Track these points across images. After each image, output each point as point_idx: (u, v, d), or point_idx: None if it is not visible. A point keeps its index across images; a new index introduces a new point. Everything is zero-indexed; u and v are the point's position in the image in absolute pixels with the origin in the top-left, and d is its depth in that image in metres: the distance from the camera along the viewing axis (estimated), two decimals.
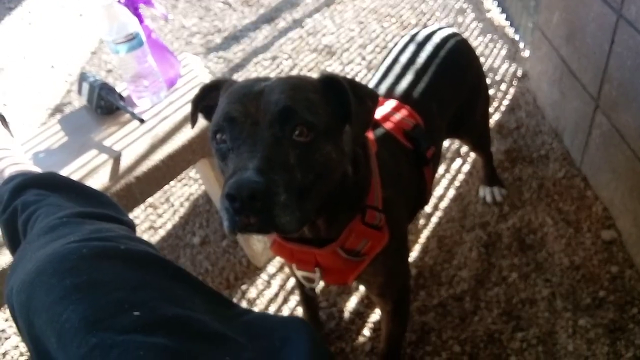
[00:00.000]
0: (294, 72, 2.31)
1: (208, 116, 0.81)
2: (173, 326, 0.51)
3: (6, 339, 1.38)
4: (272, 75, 2.29)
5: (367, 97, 0.74)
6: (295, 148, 0.65)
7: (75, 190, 0.81)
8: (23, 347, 1.36)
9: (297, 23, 2.68)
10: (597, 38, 1.37)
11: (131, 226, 0.77)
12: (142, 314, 0.50)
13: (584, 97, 1.50)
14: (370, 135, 0.91)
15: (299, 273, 0.92)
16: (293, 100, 0.67)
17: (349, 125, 0.74)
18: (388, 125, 0.98)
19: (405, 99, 1.05)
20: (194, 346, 0.50)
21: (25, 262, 0.59)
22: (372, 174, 0.84)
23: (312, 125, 0.66)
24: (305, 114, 0.66)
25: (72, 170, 1.06)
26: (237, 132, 0.66)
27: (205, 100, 0.81)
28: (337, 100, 0.72)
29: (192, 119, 0.84)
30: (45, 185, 0.78)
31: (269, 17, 2.78)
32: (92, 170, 1.06)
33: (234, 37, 2.64)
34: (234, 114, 0.67)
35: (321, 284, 0.91)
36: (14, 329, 1.40)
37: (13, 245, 0.76)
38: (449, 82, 1.15)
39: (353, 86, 0.72)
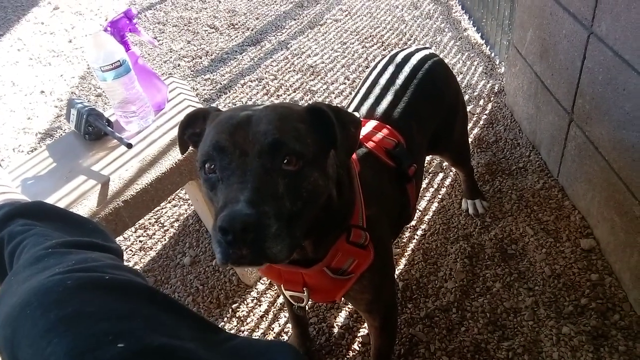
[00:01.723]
0: (280, 92, 2.36)
1: (195, 144, 0.83)
2: (158, 356, 0.51)
3: None
4: (259, 96, 2.34)
5: (351, 124, 0.77)
6: (284, 177, 0.67)
7: (62, 218, 0.81)
8: None
9: (282, 45, 2.75)
10: (570, 54, 1.43)
11: (118, 253, 0.77)
12: (127, 345, 0.50)
13: (559, 111, 1.55)
14: (353, 155, 0.93)
15: (288, 293, 0.93)
16: (281, 132, 0.68)
17: (334, 151, 0.77)
18: (370, 144, 1.01)
19: (386, 118, 1.09)
20: None
21: (10, 295, 0.59)
22: (356, 193, 0.86)
23: (300, 154, 0.68)
24: (294, 144, 0.68)
25: (60, 196, 1.07)
26: (226, 162, 0.67)
27: (192, 128, 0.82)
28: (322, 127, 0.74)
29: (181, 147, 0.85)
30: (32, 215, 0.78)
31: (254, 40, 2.84)
32: (80, 196, 1.07)
33: (221, 60, 2.69)
34: (223, 143, 0.68)
35: (310, 301, 0.93)
36: None
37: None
38: (428, 101, 1.19)
39: (337, 114, 0.74)
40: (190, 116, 0.82)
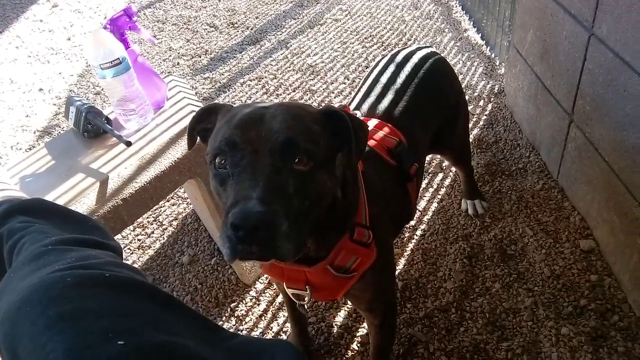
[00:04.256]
0: (280, 92, 2.35)
1: (204, 139, 0.83)
2: (159, 354, 0.51)
3: None
4: (259, 95, 2.33)
5: (360, 129, 0.77)
6: (294, 177, 0.67)
7: (62, 216, 0.81)
8: None
9: (282, 44, 2.74)
10: (570, 55, 1.43)
11: (118, 251, 0.77)
12: (127, 343, 0.50)
13: (559, 112, 1.55)
14: None
15: (290, 290, 0.93)
16: (294, 131, 0.68)
17: (343, 153, 0.77)
18: (371, 143, 1.01)
19: (387, 117, 1.09)
20: None
21: (10, 292, 0.59)
22: (360, 192, 0.87)
23: (312, 155, 0.68)
24: (306, 144, 0.68)
25: (59, 194, 1.07)
26: (237, 159, 0.67)
27: (204, 123, 0.82)
28: (333, 130, 0.75)
29: (189, 141, 0.85)
30: (31, 212, 0.78)
31: (254, 39, 2.84)
32: (79, 194, 1.07)
33: (221, 59, 2.68)
34: (236, 139, 0.68)
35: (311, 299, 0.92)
36: None
37: None
38: (429, 100, 1.19)
39: (352, 121, 0.75)
40: (203, 111, 0.82)
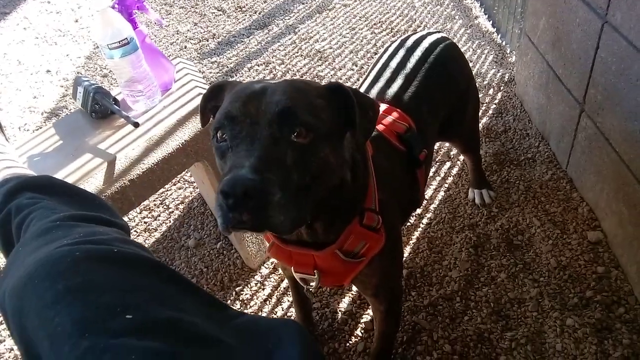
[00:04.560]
0: (287, 77, 2.34)
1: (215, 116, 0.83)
2: (165, 329, 0.51)
3: (1, 341, 1.38)
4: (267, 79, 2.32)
5: (369, 108, 0.76)
6: (293, 149, 0.66)
7: (70, 193, 0.81)
8: (18, 350, 1.36)
9: (290, 29, 2.72)
10: (583, 43, 1.40)
11: (125, 229, 0.77)
12: (135, 317, 0.50)
13: (570, 101, 1.53)
14: None
15: (297, 275, 0.93)
16: (294, 102, 0.67)
17: (350, 133, 0.76)
18: (380, 127, 1.00)
19: (396, 102, 1.08)
20: (186, 349, 0.50)
21: (18, 266, 0.59)
22: (370, 177, 0.86)
23: (311, 127, 0.67)
24: (305, 116, 0.67)
25: (67, 174, 1.07)
26: (236, 131, 0.67)
27: (214, 100, 0.82)
28: (340, 108, 0.74)
29: (202, 118, 0.85)
30: (39, 189, 0.78)
31: (262, 23, 2.81)
32: (87, 174, 1.07)
33: (228, 43, 2.66)
34: (234, 112, 0.68)
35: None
36: (8, 332, 1.40)
37: (6, 248, 0.76)
38: (439, 85, 1.18)
39: (357, 96, 0.74)
40: (212, 88, 0.81)
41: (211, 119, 0.85)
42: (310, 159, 0.67)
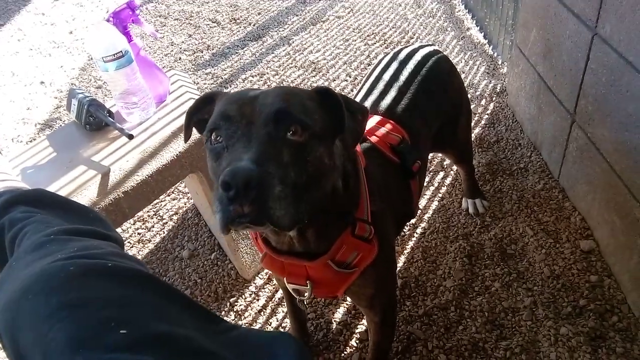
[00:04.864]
0: None
1: (201, 130, 0.83)
2: (160, 343, 0.51)
3: None
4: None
5: (358, 112, 0.78)
6: (289, 147, 0.66)
7: (63, 206, 0.81)
8: None
9: (284, 40, 2.74)
10: (573, 55, 1.43)
11: (119, 242, 0.77)
12: (129, 332, 0.50)
13: (561, 112, 1.55)
14: (359, 148, 0.94)
15: (290, 286, 0.93)
16: (288, 103, 0.69)
17: (340, 138, 0.77)
18: (374, 139, 1.01)
19: (389, 114, 1.09)
20: None
21: (11, 280, 0.59)
22: (362, 187, 0.86)
23: (306, 125, 0.68)
24: (299, 115, 0.68)
25: (60, 186, 1.07)
26: (232, 131, 0.68)
27: (200, 114, 0.82)
28: (330, 112, 0.75)
29: (186, 132, 0.84)
30: (33, 202, 0.78)
31: (256, 35, 2.83)
32: (80, 186, 1.06)
33: (222, 54, 2.68)
34: (231, 112, 0.69)
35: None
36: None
37: (0, 263, 0.75)
38: (432, 97, 1.19)
39: (345, 100, 0.75)
40: (202, 98, 0.81)
41: (193, 135, 0.85)
42: (306, 158, 0.68)
